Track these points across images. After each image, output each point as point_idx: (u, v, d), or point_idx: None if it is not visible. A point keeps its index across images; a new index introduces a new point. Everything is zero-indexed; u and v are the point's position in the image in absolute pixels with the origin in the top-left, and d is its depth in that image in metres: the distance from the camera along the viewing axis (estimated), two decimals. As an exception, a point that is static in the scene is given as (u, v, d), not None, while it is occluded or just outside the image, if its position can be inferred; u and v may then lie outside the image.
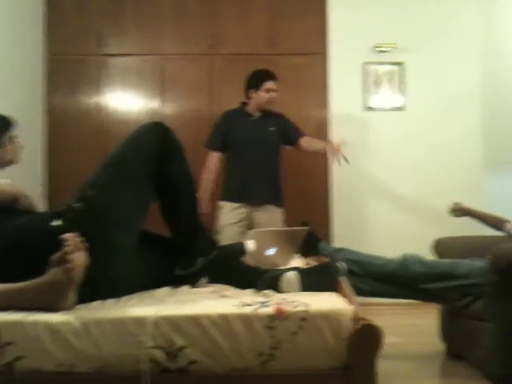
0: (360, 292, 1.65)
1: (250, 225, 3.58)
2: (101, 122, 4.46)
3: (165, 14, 4.47)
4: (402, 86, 4.51)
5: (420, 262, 2.58)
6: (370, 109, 4.52)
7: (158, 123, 1.85)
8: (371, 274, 2.53)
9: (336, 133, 4.39)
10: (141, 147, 1.77)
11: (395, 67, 4.51)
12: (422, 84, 4.50)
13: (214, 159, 3.66)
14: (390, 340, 1.57)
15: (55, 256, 1.45)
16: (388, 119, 4.52)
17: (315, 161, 4.29)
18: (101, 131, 4.43)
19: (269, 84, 3.57)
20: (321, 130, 4.45)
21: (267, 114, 3.69)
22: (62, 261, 1.43)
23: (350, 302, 1.58)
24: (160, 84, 4.47)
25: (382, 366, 1.51)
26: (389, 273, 2.55)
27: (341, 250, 2.69)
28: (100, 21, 4.44)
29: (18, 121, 2.53)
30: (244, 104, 3.71)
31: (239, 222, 3.57)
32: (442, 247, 2.98)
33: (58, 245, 1.47)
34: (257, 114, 3.67)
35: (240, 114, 3.69)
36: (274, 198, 3.64)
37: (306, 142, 3.66)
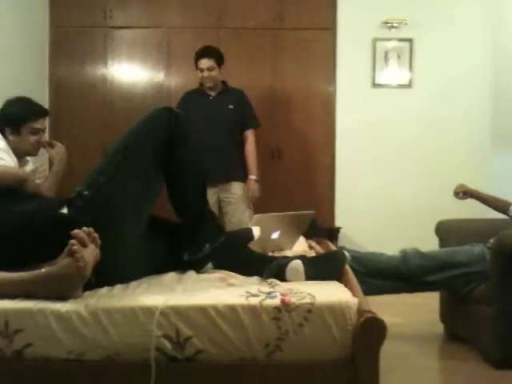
0: (364, 293, 1.66)
1: (219, 206, 3.61)
2: (105, 95, 4.45)
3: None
4: (410, 63, 4.45)
5: (420, 255, 2.60)
6: (377, 85, 4.47)
7: (168, 108, 1.84)
8: (373, 272, 2.54)
9: (342, 109, 4.36)
10: (150, 133, 1.75)
11: (404, 43, 4.44)
12: (430, 61, 4.45)
13: None
14: (389, 320, 1.59)
15: (67, 250, 1.46)
16: (395, 96, 4.48)
17: (319, 135, 4.28)
18: (105, 103, 4.43)
19: (200, 63, 3.54)
20: (327, 105, 4.43)
21: (226, 92, 3.66)
22: (74, 257, 1.43)
23: (355, 293, 1.60)
24: (165, 57, 4.43)
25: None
26: (391, 269, 2.57)
27: (342, 248, 2.71)
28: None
29: (47, 114, 2.49)
30: (201, 84, 3.69)
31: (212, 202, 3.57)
32: (444, 230, 2.99)
33: (67, 232, 1.48)
34: (213, 93, 3.63)
35: (197, 93, 3.68)
36: (236, 174, 3.63)
37: (247, 148, 3.64)
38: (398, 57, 4.45)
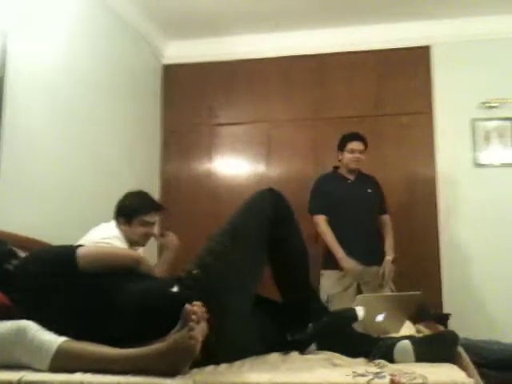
0: None
1: (357, 290, 3.51)
2: (211, 187, 4.68)
3: (272, 83, 4.68)
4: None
5: None
6: (480, 165, 4.35)
7: (271, 189, 1.92)
8: (487, 362, 2.34)
9: (444, 191, 4.27)
10: (256, 213, 1.83)
11: (506, 122, 4.34)
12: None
13: (325, 222, 3.64)
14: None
15: (181, 325, 1.50)
16: (500, 175, 4.31)
17: (424, 219, 4.17)
18: (211, 195, 4.65)
19: (352, 144, 3.63)
20: (428, 189, 4.35)
21: (362, 177, 3.71)
22: (188, 333, 1.47)
23: (470, 374, 1.50)
24: (266, 149, 4.63)
25: None
26: (508, 358, 2.36)
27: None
28: (212, 93, 4.75)
29: (162, 209, 2.74)
30: (336, 168, 3.75)
31: (346, 289, 3.51)
32: None
33: (176, 310, 1.54)
34: (352, 177, 3.68)
35: (334, 177, 3.74)
36: (378, 258, 3.57)
37: (387, 231, 3.67)
38: (500, 136, 4.34)
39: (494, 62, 4.38)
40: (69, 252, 1.84)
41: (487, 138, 4.37)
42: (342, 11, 4.30)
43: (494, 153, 4.35)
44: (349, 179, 3.71)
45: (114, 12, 3.98)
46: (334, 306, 3.30)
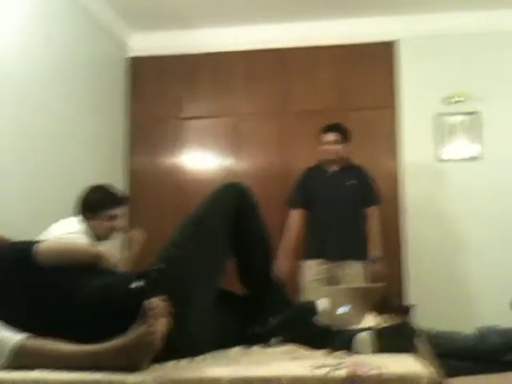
0: None
1: (332, 281, 3.55)
2: (178, 181, 4.66)
3: (237, 77, 4.68)
4: (478, 136, 4.39)
5: (498, 332, 2.44)
6: (443, 160, 4.43)
7: (236, 183, 1.92)
8: (448, 352, 2.39)
9: (408, 185, 4.33)
10: (220, 206, 1.83)
11: (469, 117, 4.42)
12: (499, 133, 4.37)
13: (295, 217, 3.68)
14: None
15: (141, 321, 1.49)
16: (463, 170, 4.40)
17: (387, 213, 4.23)
18: (178, 190, 4.62)
19: (324, 136, 3.66)
20: (392, 183, 4.41)
21: (346, 168, 3.69)
22: (148, 329, 1.46)
23: (427, 364, 1.53)
24: (233, 142, 4.63)
25: None
26: (467, 349, 2.42)
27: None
28: (178, 86, 4.71)
29: (127, 201, 2.70)
30: (320, 161, 3.76)
31: (320, 278, 3.54)
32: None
33: (140, 305, 1.53)
34: (334, 169, 3.69)
35: (317, 170, 3.74)
36: (354, 252, 3.59)
37: (370, 225, 3.63)
38: (464, 130, 4.43)
39: (457, 58, 4.47)
40: (27, 247, 1.81)
41: (451, 133, 4.45)
42: (306, 5, 4.32)
43: (458, 147, 4.43)
44: (328, 172, 3.71)
45: (76, 2, 3.90)
46: (307, 295, 3.36)
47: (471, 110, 4.41)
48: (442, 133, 4.43)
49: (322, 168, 3.73)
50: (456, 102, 4.42)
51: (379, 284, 2.30)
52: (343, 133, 3.68)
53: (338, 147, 3.65)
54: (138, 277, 1.75)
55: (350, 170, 3.73)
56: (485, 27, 4.41)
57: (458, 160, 4.42)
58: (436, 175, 4.42)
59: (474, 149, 4.40)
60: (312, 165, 3.83)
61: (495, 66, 4.43)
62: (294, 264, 3.62)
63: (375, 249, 3.62)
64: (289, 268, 3.51)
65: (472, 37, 4.45)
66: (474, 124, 4.40)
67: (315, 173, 3.74)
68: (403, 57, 4.52)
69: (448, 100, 4.44)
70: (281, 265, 3.56)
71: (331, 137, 3.65)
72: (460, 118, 4.43)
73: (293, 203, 3.71)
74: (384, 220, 4.34)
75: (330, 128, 3.68)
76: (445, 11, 4.40)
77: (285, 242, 3.61)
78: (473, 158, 4.40)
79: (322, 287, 2.25)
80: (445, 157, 4.42)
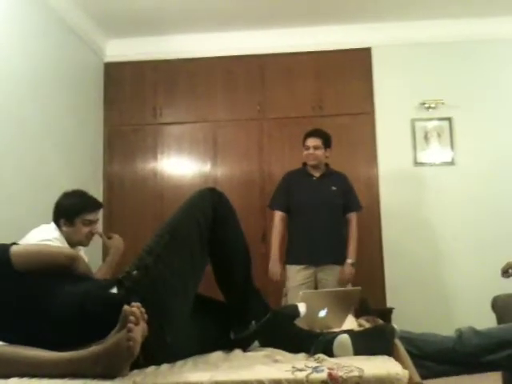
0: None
1: (316, 285, 3.57)
2: (156, 188, 4.64)
3: (215, 83, 4.68)
4: (451, 141, 4.48)
5: (476, 333, 2.46)
6: (419, 164, 4.49)
7: (212, 189, 1.91)
8: (427, 354, 2.40)
9: (385, 190, 4.38)
10: (196, 213, 1.82)
11: (443, 122, 4.51)
12: (472, 139, 4.46)
13: (278, 217, 3.69)
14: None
15: (119, 327, 1.48)
16: (438, 174, 4.47)
17: (367, 218, 4.27)
18: (156, 196, 4.60)
19: (306, 141, 3.68)
20: (371, 188, 4.45)
21: (328, 174, 3.73)
22: (126, 335, 1.45)
23: (406, 366, 1.55)
24: (212, 149, 4.63)
25: None
26: (446, 350, 2.43)
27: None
28: (156, 92, 4.70)
29: (102, 206, 2.67)
30: (305, 164, 3.78)
31: (306, 283, 3.55)
32: (501, 306, 2.87)
33: (116, 312, 1.52)
34: (317, 174, 3.71)
35: (300, 174, 3.76)
36: (337, 257, 3.62)
37: (350, 230, 3.67)
38: (439, 136, 4.51)
39: (432, 65, 4.55)
40: (1, 250, 1.77)
41: (426, 138, 4.52)
42: (283, 13, 4.35)
43: (433, 152, 4.51)
44: (312, 176, 3.73)
45: (49, 8, 3.87)
46: (292, 300, 3.36)
47: (444, 115, 4.49)
48: (418, 138, 4.50)
49: (305, 173, 3.75)
50: (430, 108, 4.49)
51: (355, 288, 2.31)
52: (324, 138, 3.71)
53: (319, 152, 3.68)
54: (116, 283, 1.74)
55: (331, 175, 3.76)
56: (457, 36, 4.51)
57: (433, 165, 4.49)
58: (412, 180, 4.48)
59: (447, 154, 4.48)
60: (294, 169, 3.85)
61: (467, 73, 4.52)
62: (283, 267, 3.64)
63: (353, 254, 3.65)
64: (281, 270, 3.57)
65: (444, 45, 4.54)
66: (447, 130, 4.48)
67: (298, 177, 3.76)
68: (380, 63, 4.59)
69: (423, 106, 4.51)
70: (274, 266, 3.58)
71: (312, 142, 3.68)
72: (434, 123, 4.51)
73: (275, 205, 3.73)
74: (365, 225, 4.39)
75: (312, 133, 3.71)
76: (420, 19, 4.49)
77: (276, 245, 3.62)
78: (446, 163, 4.48)
79: (302, 291, 2.25)
80: (420, 162, 4.49)
